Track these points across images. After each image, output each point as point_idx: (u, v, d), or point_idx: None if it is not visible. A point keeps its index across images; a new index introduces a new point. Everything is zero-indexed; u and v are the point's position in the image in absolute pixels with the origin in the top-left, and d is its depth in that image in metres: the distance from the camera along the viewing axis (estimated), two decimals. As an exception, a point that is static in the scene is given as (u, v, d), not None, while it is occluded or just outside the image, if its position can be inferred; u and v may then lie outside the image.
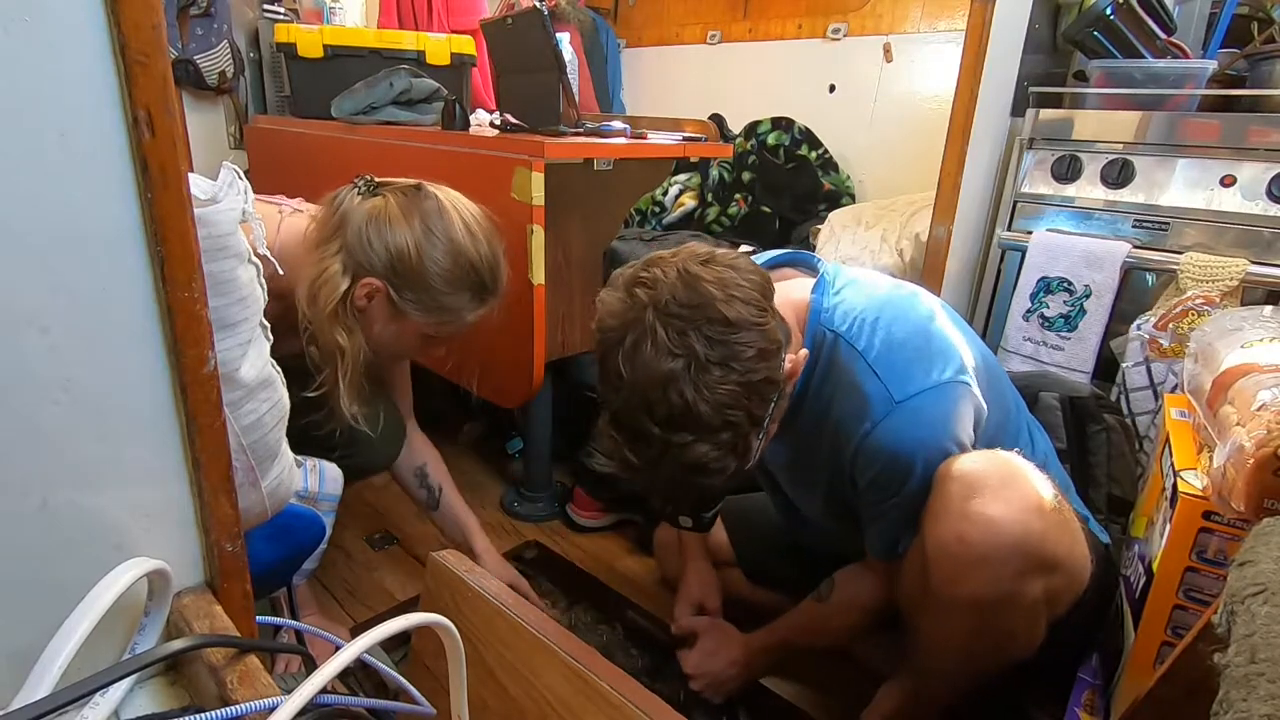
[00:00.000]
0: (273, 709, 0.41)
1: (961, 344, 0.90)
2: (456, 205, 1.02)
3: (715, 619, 1.17)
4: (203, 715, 0.42)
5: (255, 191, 0.76)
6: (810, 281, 0.95)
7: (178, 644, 0.47)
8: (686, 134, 1.77)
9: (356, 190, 1.00)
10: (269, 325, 0.64)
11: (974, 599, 0.78)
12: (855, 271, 0.97)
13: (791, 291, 0.93)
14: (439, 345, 1.10)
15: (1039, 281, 1.41)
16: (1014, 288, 1.45)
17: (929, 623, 0.87)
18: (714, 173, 2.13)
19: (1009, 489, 0.78)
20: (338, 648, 0.47)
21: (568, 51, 2.27)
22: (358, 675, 1.07)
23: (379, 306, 1.00)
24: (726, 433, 0.74)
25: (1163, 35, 1.34)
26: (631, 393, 0.73)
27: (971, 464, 0.80)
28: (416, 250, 0.97)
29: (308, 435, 1.01)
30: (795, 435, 0.95)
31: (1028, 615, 0.81)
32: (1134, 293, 1.36)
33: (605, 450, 0.80)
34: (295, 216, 1.05)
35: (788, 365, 0.80)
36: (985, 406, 0.89)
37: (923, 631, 0.89)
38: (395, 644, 1.15)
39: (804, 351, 0.86)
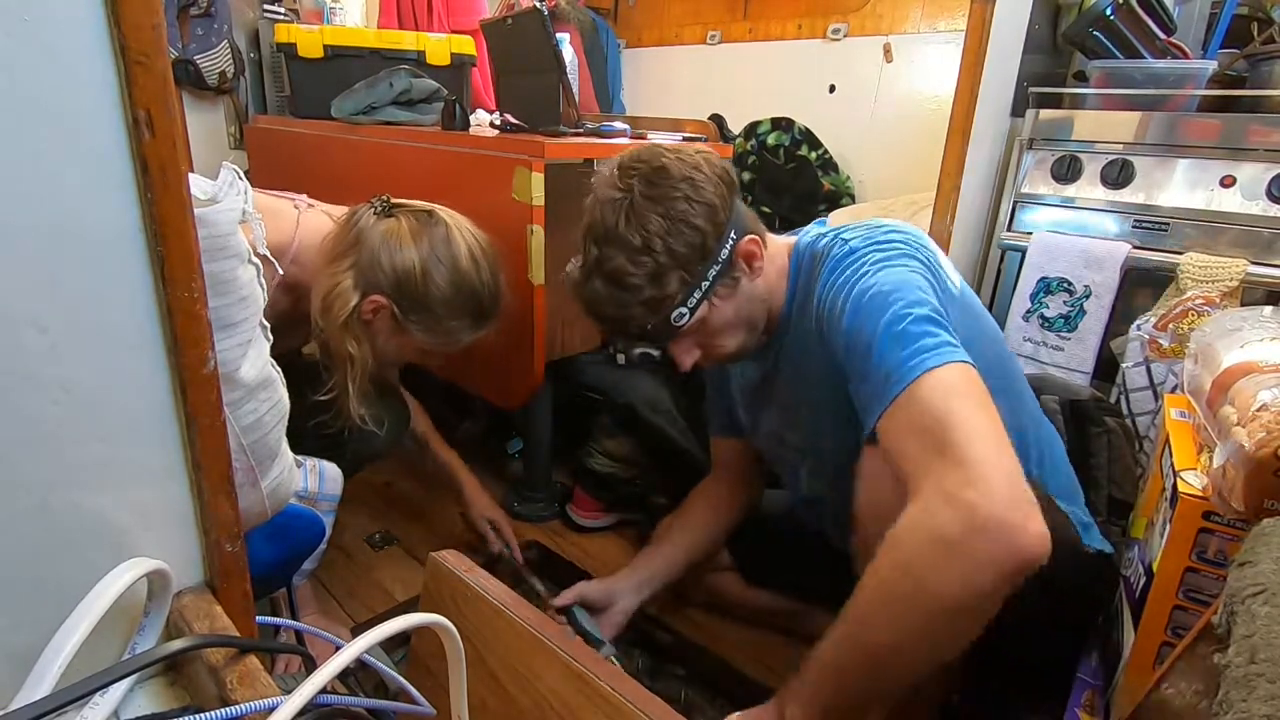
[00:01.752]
0: (272, 709, 0.41)
1: (950, 273, 0.91)
2: (464, 233, 1.07)
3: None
4: (202, 715, 0.42)
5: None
6: None
7: (177, 644, 0.47)
8: (686, 134, 1.76)
9: (373, 210, 1.05)
10: (276, 320, 0.64)
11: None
12: None
13: (790, 238, 1.00)
14: (436, 358, 1.17)
15: (1039, 282, 1.41)
16: (1014, 288, 1.45)
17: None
18: (714, 173, 2.12)
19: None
20: (338, 648, 0.47)
21: (568, 51, 2.26)
22: (358, 675, 1.07)
23: (383, 321, 1.06)
24: (646, 256, 0.85)
25: (1163, 35, 1.34)
26: (586, 221, 0.90)
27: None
28: (422, 274, 1.03)
29: (318, 434, 1.06)
30: (795, 355, 0.98)
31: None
32: (1134, 293, 1.36)
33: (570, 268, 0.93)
34: (311, 212, 1.09)
35: (749, 249, 0.90)
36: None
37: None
38: (395, 644, 1.15)
39: (775, 250, 0.96)
